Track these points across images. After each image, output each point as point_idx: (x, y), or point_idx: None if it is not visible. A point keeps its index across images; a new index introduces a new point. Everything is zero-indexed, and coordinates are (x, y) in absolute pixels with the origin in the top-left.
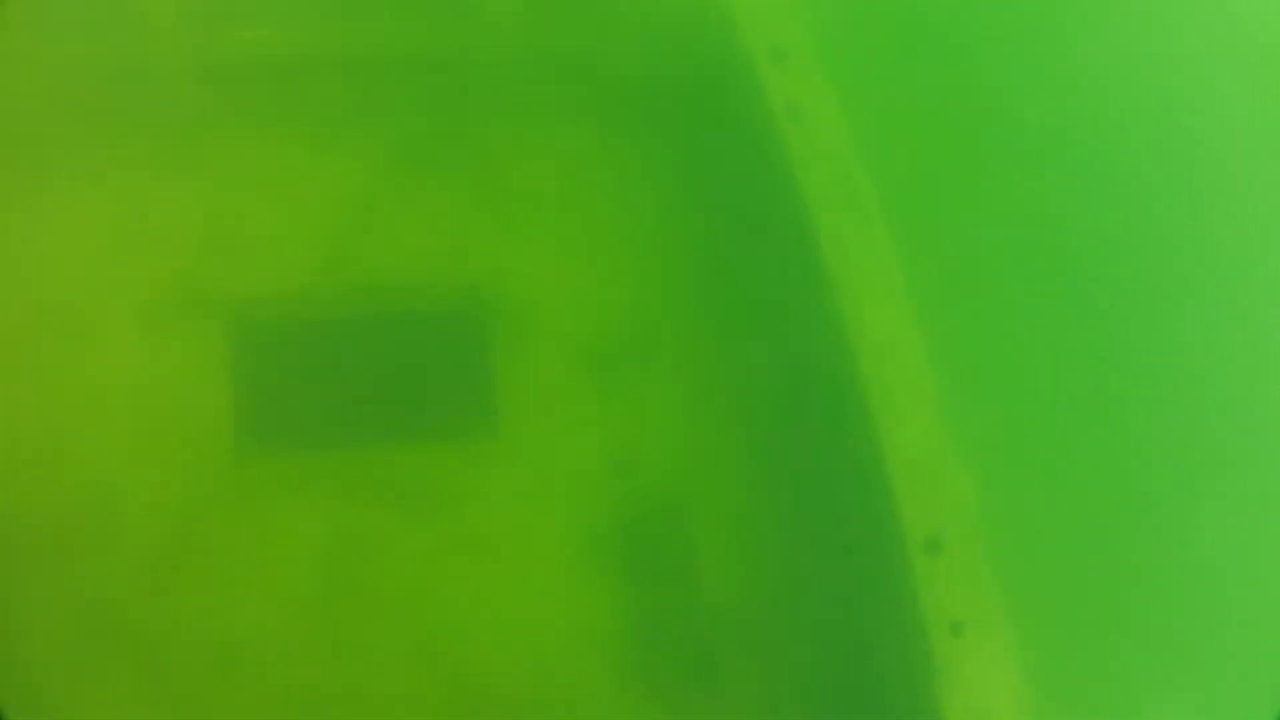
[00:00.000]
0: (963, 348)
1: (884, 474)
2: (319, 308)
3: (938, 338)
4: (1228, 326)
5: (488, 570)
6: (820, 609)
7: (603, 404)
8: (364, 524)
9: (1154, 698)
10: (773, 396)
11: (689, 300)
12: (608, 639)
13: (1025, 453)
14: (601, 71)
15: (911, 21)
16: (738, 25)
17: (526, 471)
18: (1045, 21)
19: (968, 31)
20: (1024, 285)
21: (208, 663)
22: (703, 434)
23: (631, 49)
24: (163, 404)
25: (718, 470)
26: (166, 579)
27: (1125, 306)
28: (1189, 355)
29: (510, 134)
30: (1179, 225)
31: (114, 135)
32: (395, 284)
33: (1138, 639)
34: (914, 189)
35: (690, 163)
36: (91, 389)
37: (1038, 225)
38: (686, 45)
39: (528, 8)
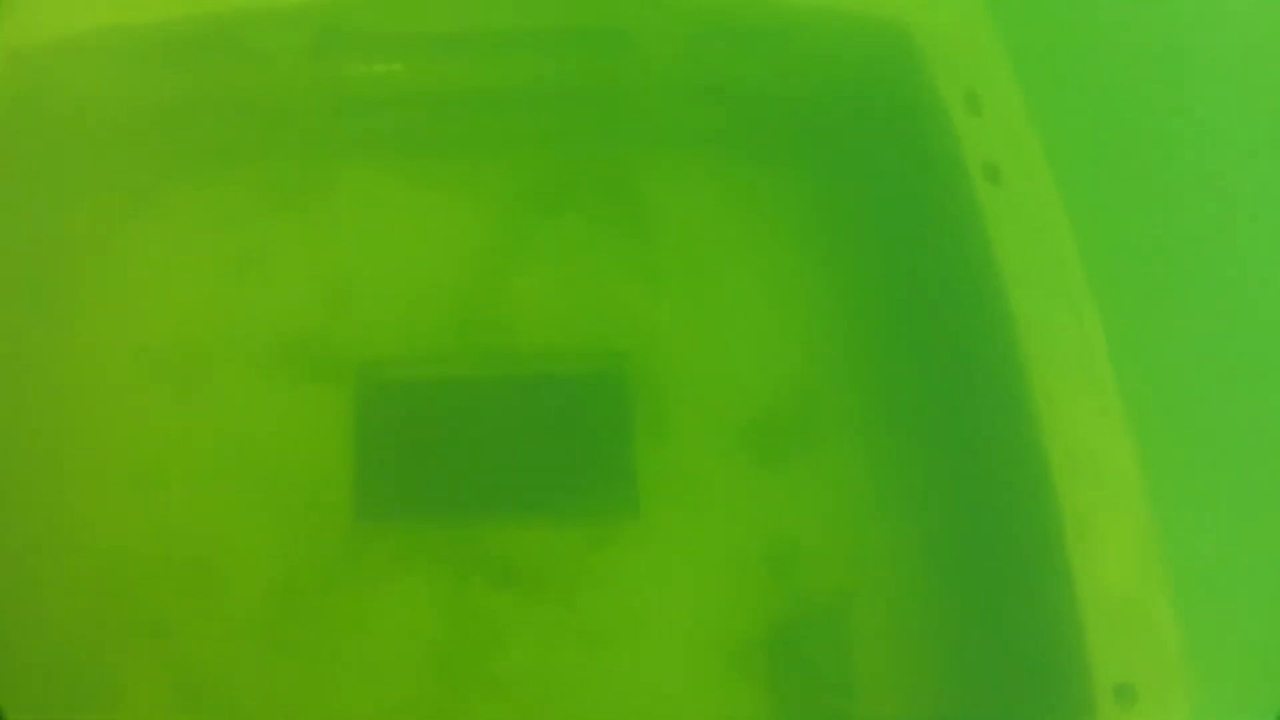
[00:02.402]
0: (1178, 465)
1: (1074, 604)
2: (448, 369)
3: (1149, 451)
4: None
5: (616, 668)
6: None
7: (759, 487)
8: (484, 607)
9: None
10: (952, 491)
11: (860, 374)
12: None
13: (1233, 591)
14: (770, 113)
15: (1129, 67)
16: (928, 65)
17: (667, 560)
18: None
19: (1188, 82)
20: (1253, 394)
21: None
22: (871, 529)
23: (804, 88)
24: (277, 466)
25: (885, 574)
26: (270, 654)
27: None
28: None
29: (664, 179)
30: None
31: (237, 174)
32: (531, 346)
33: None
34: (1129, 269)
35: (868, 220)
36: (202, 446)
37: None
38: (868, 87)
39: (689, 39)
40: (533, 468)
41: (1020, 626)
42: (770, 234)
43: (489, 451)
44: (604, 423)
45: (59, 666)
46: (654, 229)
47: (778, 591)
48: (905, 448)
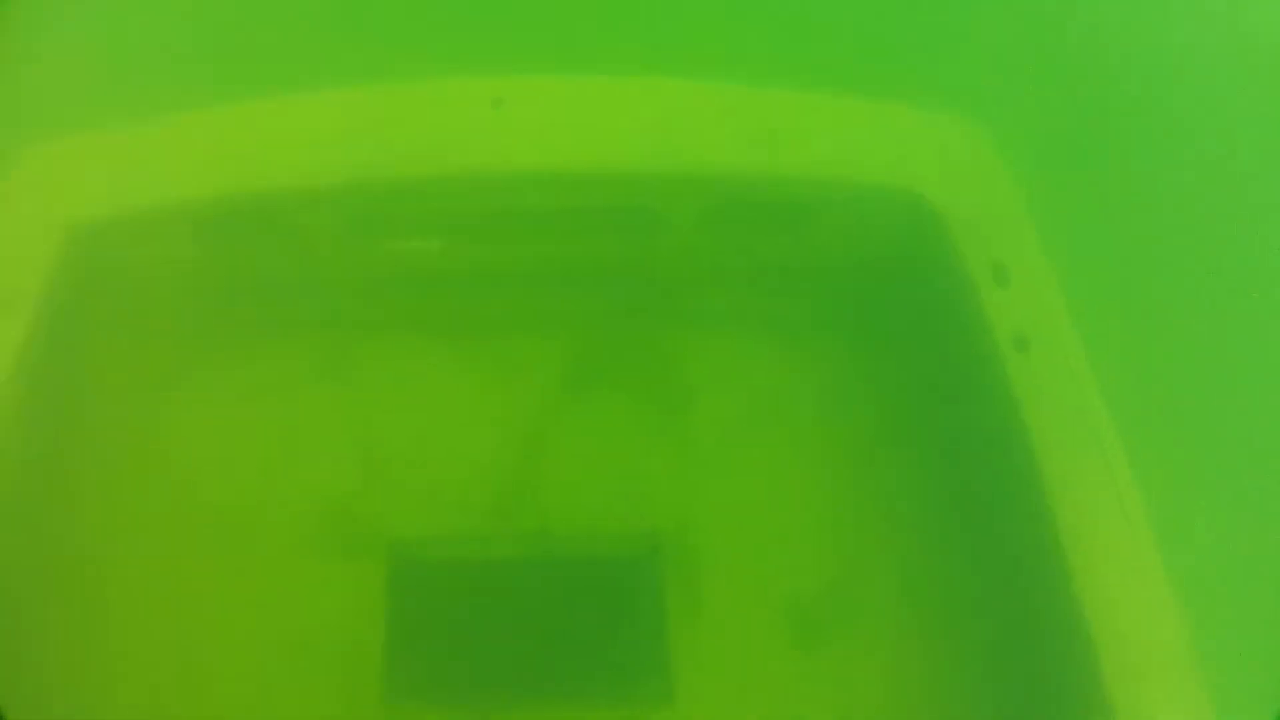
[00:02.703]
0: (1228, 631)
1: None
2: (480, 549)
3: (1193, 613)
4: None
5: None
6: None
7: (798, 671)
8: None
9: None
10: (996, 670)
11: (899, 551)
12: None
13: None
14: (798, 285)
15: (1160, 233)
16: (953, 236)
17: None
18: None
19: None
20: None
21: None
22: (915, 711)
23: (831, 261)
24: (308, 640)
25: None
26: None
27: None
28: None
29: (699, 356)
30: None
31: (277, 348)
32: (565, 526)
33: None
34: (1164, 436)
35: (900, 392)
36: (235, 618)
37: None
38: (894, 259)
39: (716, 215)
40: (565, 651)
41: None
42: (805, 409)
43: (521, 633)
44: (638, 605)
45: None
46: (690, 407)
47: None
48: (947, 626)
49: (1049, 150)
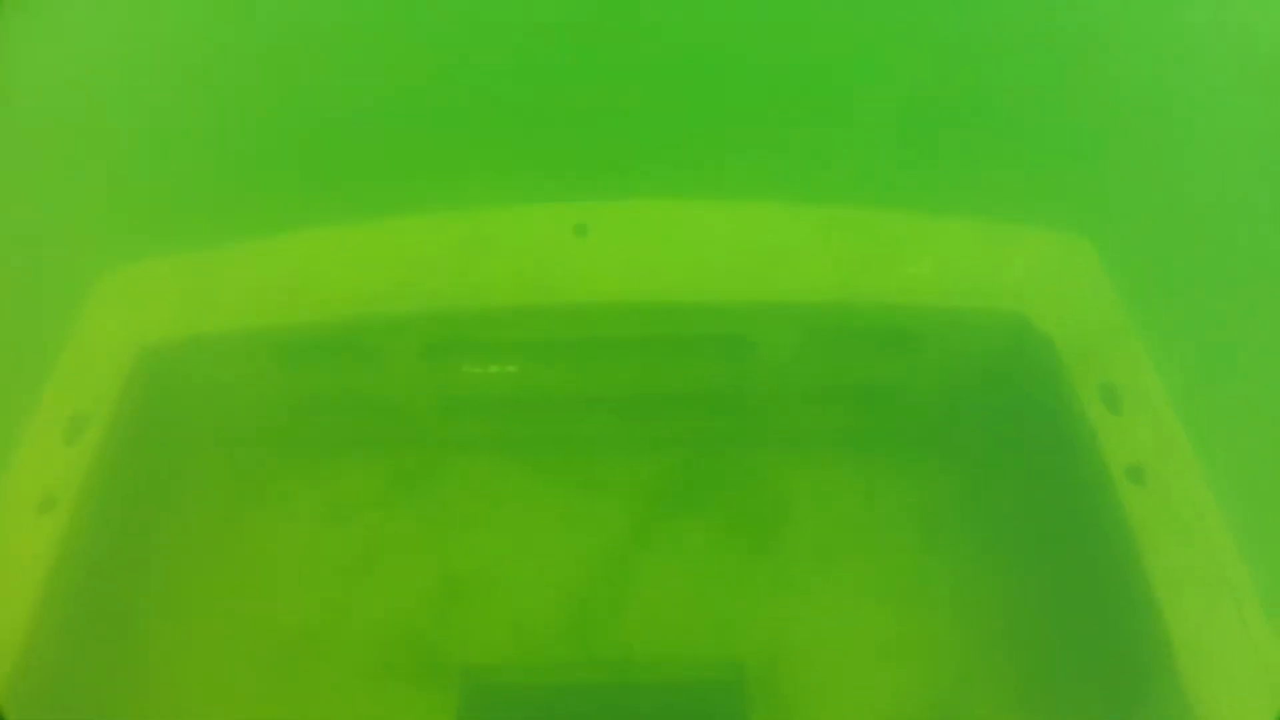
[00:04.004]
0: None
1: None
2: (557, 675)
3: None
4: None
5: None
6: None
7: None
8: None
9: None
10: None
11: (998, 689)
12: None
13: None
14: (896, 408)
15: None
16: (1060, 360)
17: None
18: None
19: None
20: None
21: None
22: None
23: (933, 383)
24: None
25: None
26: None
27: None
28: None
29: (790, 481)
30: None
31: (351, 468)
32: (646, 653)
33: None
34: None
35: (1002, 519)
36: None
37: None
38: (997, 383)
39: (811, 342)
40: None
41: None
42: (903, 534)
43: None
44: None
45: None
46: (781, 531)
47: None
48: None
49: (1157, 265)
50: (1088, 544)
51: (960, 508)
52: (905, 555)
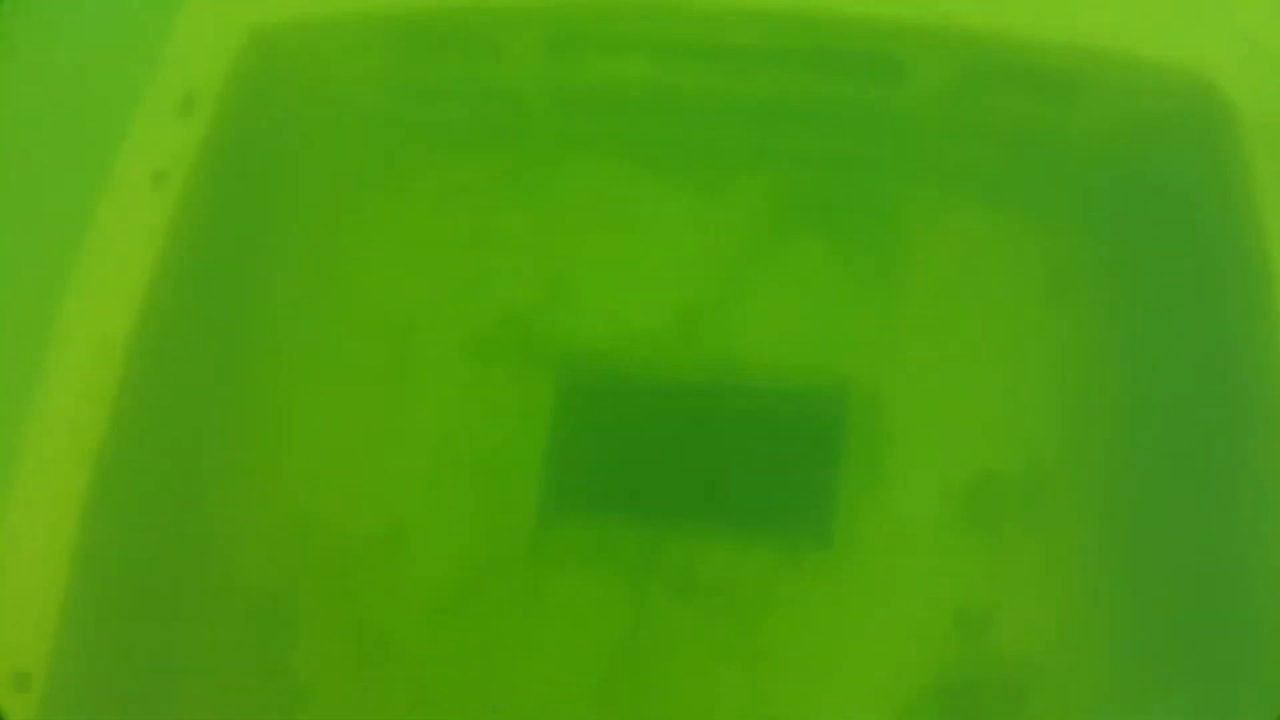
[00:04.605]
0: None
1: None
2: (655, 370)
3: None
4: None
5: (779, 700)
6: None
7: (964, 546)
8: (657, 615)
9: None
10: (1178, 594)
11: (1101, 451)
12: None
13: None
14: (1043, 161)
15: None
16: (1240, 132)
17: (852, 600)
18: None
19: None
20: None
21: (465, 715)
22: (1076, 614)
23: (1084, 139)
24: (472, 446)
25: (1079, 663)
26: (445, 626)
27: None
28: None
29: (919, 214)
30: None
31: (467, 160)
32: (748, 357)
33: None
34: None
35: (1139, 291)
36: (401, 417)
37: None
38: (1163, 148)
39: (966, 75)
40: (729, 480)
41: None
42: (1024, 286)
43: (685, 457)
44: (813, 447)
45: (238, 601)
46: (900, 263)
47: (961, 656)
48: (1134, 536)
49: None
50: (1229, 350)
51: (1093, 276)
52: (1025, 312)
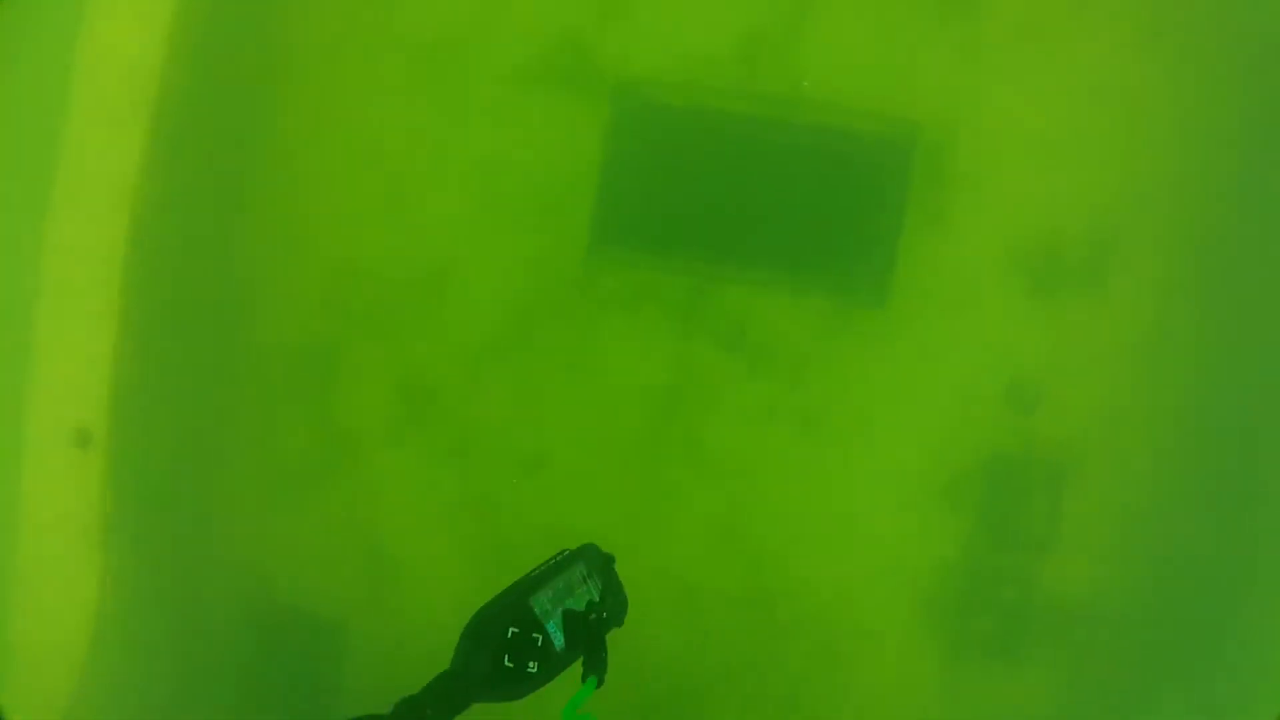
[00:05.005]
0: None
1: None
2: (714, 100)
3: None
4: None
5: (824, 460)
6: (1180, 629)
7: (1023, 315)
8: (706, 366)
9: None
10: (1236, 382)
11: (1181, 221)
12: (928, 581)
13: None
14: None
15: None
16: None
17: (904, 363)
18: None
19: None
20: None
21: (509, 462)
22: (1129, 394)
23: None
24: (519, 179)
25: (1126, 443)
26: (489, 373)
27: None
28: None
29: None
30: None
31: None
32: (815, 93)
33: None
34: None
35: (1246, 58)
36: (444, 149)
37: None
38: None
39: None
40: (786, 228)
41: (1247, 557)
42: (1119, 33)
43: (742, 200)
44: (876, 198)
45: (280, 354)
46: (984, 3)
47: (1010, 429)
48: (1199, 319)
49: None
50: None
51: (1191, 30)
52: (1118, 55)
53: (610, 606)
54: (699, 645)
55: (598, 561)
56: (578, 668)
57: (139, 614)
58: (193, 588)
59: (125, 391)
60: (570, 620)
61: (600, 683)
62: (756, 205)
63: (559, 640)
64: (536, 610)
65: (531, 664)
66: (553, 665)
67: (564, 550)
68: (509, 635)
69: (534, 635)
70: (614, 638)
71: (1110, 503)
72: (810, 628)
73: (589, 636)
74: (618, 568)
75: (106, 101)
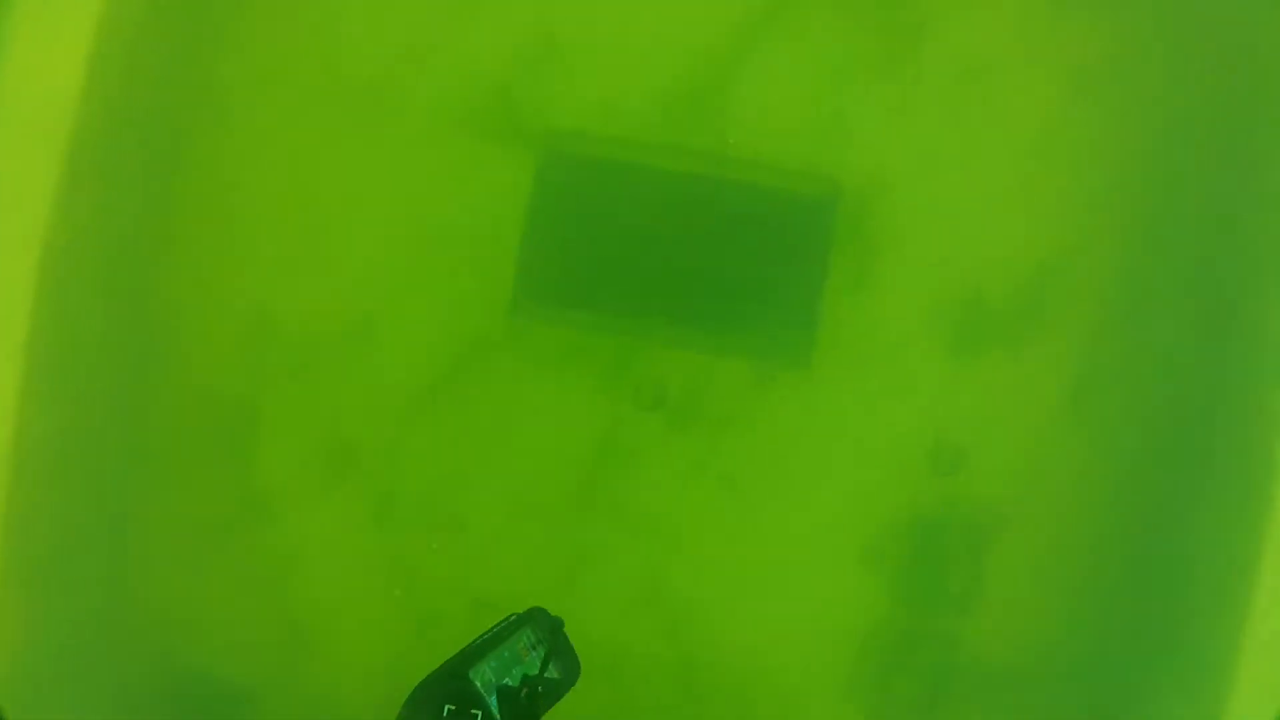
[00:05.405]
0: None
1: (1242, 619)
2: (641, 155)
3: None
4: None
5: (745, 520)
6: (1107, 686)
7: (947, 375)
8: (628, 424)
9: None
10: (1160, 441)
11: (1108, 276)
12: (851, 643)
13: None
14: None
15: None
16: None
17: (827, 423)
18: None
19: None
20: None
21: (430, 524)
22: (1052, 455)
23: None
24: (444, 229)
25: (1050, 505)
26: (414, 431)
27: None
28: None
29: None
30: None
31: None
32: (740, 148)
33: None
34: None
35: (1167, 106)
36: (368, 198)
37: None
38: None
39: None
40: (708, 285)
41: (1173, 608)
42: (1046, 80)
43: (666, 258)
44: (798, 256)
45: (197, 406)
46: (919, 47)
47: (932, 490)
48: (1125, 376)
49: None
50: (1245, 179)
51: (1120, 71)
52: (1050, 104)
53: (562, 671)
54: (621, 708)
55: (545, 627)
56: None
57: (39, 675)
58: (97, 649)
59: (31, 440)
60: (504, 697)
61: None
62: (680, 262)
63: (500, 715)
64: (478, 683)
65: None
66: None
67: (511, 615)
68: (445, 714)
69: (473, 711)
70: None
71: (1033, 562)
72: (731, 692)
73: (522, 715)
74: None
75: (17, 137)
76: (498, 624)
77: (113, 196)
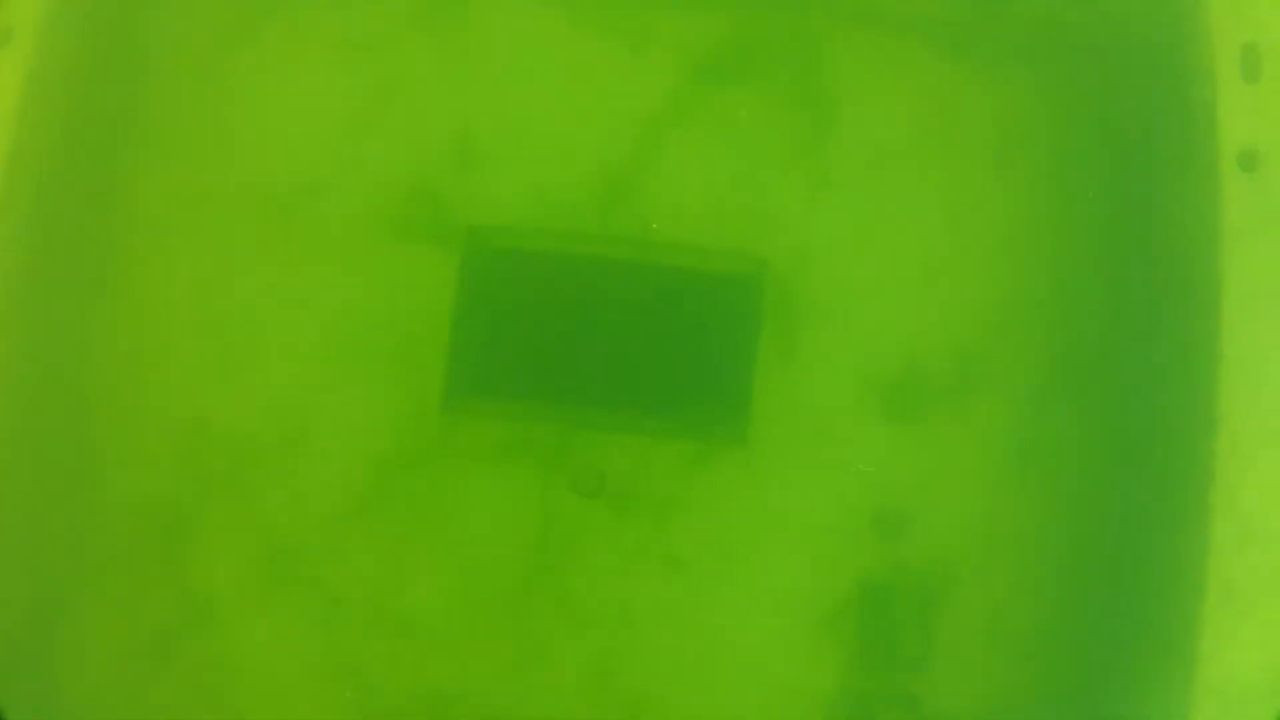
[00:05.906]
0: None
1: (1191, 673)
2: (566, 245)
3: None
4: None
5: (693, 603)
6: None
7: (883, 444)
8: (568, 514)
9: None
10: (1096, 502)
11: (1029, 339)
12: (807, 712)
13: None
14: (1000, 12)
15: None
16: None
17: (768, 499)
18: None
19: None
20: None
21: (377, 631)
22: (993, 515)
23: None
24: (373, 331)
25: (995, 564)
26: (353, 534)
27: None
28: None
29: (859, 65)
30: None
31: (368, 1)
32: (666, 234)
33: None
34: None
35: (1086, 164)
36: (294, 304)
37: None
38: (1122, 17)
39: None
40: (642, 370)
41: (1123, 657)
42: (972, 152)
43: (597, 344)
44: (729, 335)
45: (130, 516)
46: (836, 123)
47: (879, 557)
48: (1057, 437)
49: None
50: (1169, 218)
51: (1043, 139)
52: (972, 174)
53: None
54: None
55: None
56: None
57: None
58: None
59: None
60: None
61: None
62: (611, 347)
63: None
64: None
65: None
66: None
67: None
68: None
69: None
70: None
71: (985, 618)
72: None
73: None
74: None
75: None
76: None
77: (43, 309)
